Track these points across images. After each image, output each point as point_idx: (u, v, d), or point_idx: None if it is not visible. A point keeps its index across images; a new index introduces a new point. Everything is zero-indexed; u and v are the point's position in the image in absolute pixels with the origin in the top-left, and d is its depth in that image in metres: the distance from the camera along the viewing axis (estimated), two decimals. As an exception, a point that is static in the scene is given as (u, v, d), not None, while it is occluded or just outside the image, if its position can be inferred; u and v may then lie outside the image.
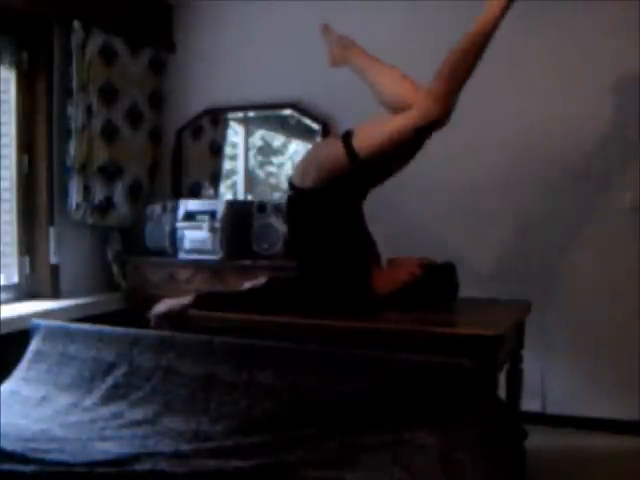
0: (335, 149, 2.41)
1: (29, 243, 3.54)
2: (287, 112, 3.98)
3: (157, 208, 3.80)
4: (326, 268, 2.46)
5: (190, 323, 2.36)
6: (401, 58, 3.71)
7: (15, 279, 3.49)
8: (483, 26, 2.38)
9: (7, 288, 3.41)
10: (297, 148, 4.15)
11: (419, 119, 2.33)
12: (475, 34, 2.38)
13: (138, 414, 2.10)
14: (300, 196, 2.49)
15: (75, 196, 3.56)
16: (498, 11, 2.36)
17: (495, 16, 2.37)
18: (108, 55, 3.69)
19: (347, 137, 2.40)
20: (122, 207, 3.83)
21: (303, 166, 2.54)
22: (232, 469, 1.74)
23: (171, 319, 2.36)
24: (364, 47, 3.67)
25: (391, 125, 2.38)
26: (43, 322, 2.58)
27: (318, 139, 3.85)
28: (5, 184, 3.44)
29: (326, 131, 3.81)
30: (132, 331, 2.37)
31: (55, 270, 3.56)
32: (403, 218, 3.63)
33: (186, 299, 2.38)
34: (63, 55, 3.52)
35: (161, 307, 2.41)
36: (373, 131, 2.41)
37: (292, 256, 2.65)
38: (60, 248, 3.57)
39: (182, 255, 3.69)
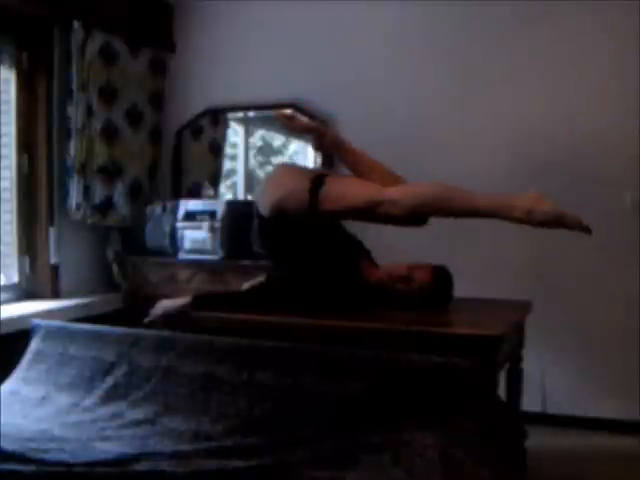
0: (301, 190, 2.38)
1: (29, 243, 3.54)
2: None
3: (157, 208, 3.79)
4: (315, 271, 2.46)
5: (189, 323, 2.36)
6: (399, 57, 3.74)
7: (15, 279, 3.50)
8: (489, 207, 2.26)
9: (7, 288, 3.41)
10: (297, 148, 4.15)
11: (385, 204, 2.30)
12: (471, 207, 2.27)
13: (138, 414, 2.10)
14: (270, 222, 2.50)
15: (75, 196, 3.56)
16: (517, 215, 2.21)
17: (508, 215, 2.23)
18: (108, 55, 3.68)
19: (317, 183, 2.38)
20: (122, 207, 3.83)
21: (268, 197, 2.50)
22: (232, 469, 1.74)
23: (168, 320, 2.36)
24: (364, 50, 3.69)
25: (361, 196, 2.35)
26: (43, 322, 2.58)
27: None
28: (5, 184, 3.44)
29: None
30: (132, 331, 2.37)
31: (55, 270, 3.56)
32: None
33: (183, 300, 2.38)
34: (63, 55, 3.52)
35: (158, 308, 2.40)
36: (344, 191, 2.38)
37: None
38: (60, 248, 3.57)
39: (182, 255, 3.69)
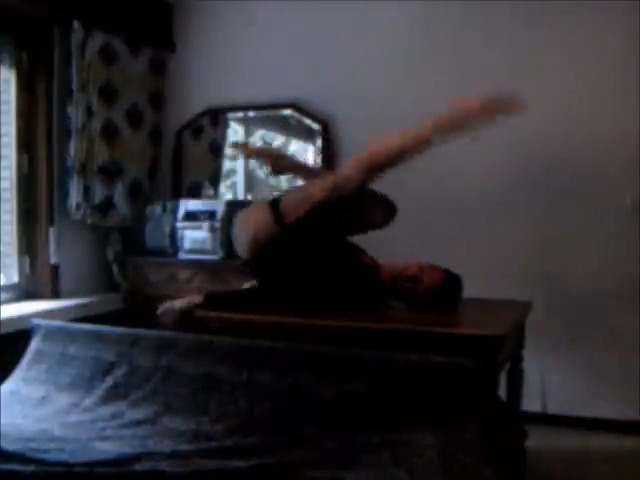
0: (264, 216, 2.46)
1: (29, 243, 3.54)
2: (287, 112, 3.98)
3: (157, 208, 3.79)
4: (322, 273, 2.45)
5: (195, 323, 2.36)
6: (399, 57, 3.74)
7: (15, 279, 3.49)
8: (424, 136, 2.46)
9: (7, 288, 3.41)
10: (297, 148, 4.15)
11: (339, 185, 2.42)
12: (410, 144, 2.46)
13: (138, 414, 2.10)
14: (256, 261, 2.53)
15: (75, 196, 3.56)
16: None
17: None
18: (108, 55, 3.68)
19: (274, 203, 2.48)
20: (122, 207, 3.83)
21: (242, 241, 2.55)
22: (232, 469, 1.74)
23: (179, 318, 2.36)
24: (364, 50, 3.68)
25: (315, 190, 2.46)
26: (43, 322, 2.58)
27: (318, 139, 3.86)
28: (5, 184, 3.44)
29: (326, 131, 3.81)
30: (132, 331, 2.38)
31: (55, 270, 3.56)
32: (403, 219, 3.63)
33: (196, 298, 2.38)
34: (63, 55, 3.52)
35: (169, 306, 2.40)
36: (300, 195, 2.51)
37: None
38: (60, 248, 3.56)
39: (182, 255, 3.69)
